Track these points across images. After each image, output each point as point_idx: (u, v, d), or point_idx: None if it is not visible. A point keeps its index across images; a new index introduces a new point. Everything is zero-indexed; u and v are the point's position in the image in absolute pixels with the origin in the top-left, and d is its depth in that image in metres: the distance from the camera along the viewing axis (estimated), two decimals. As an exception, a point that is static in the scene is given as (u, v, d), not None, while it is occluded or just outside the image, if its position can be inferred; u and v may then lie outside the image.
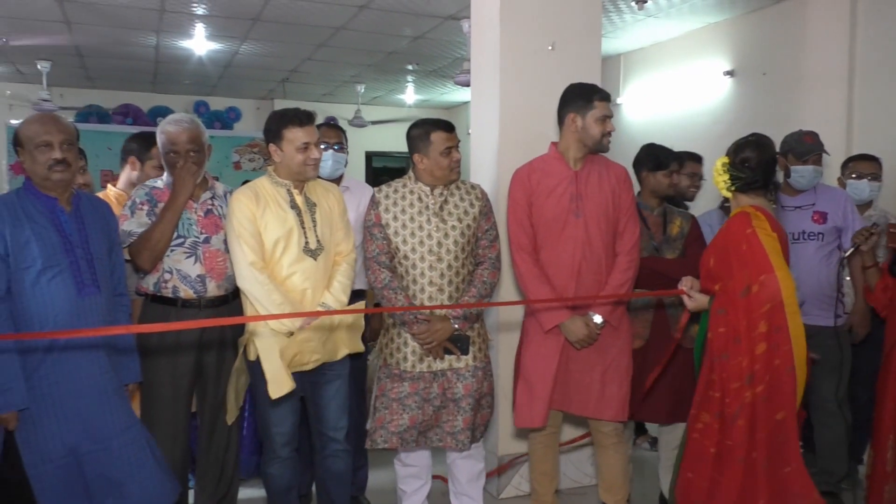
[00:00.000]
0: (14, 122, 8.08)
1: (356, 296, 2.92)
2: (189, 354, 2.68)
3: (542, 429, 2.82)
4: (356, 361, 2.90)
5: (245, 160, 8.81)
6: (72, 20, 6.08)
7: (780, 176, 2.96)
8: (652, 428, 4.02)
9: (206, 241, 2.69)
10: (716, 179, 2.47)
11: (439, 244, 2.69)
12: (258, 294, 2.47)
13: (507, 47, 3.28)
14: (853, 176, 3.49)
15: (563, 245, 2.70)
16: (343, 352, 2.62)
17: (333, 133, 3.16)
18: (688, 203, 3.72)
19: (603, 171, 2.76)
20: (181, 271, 2.66)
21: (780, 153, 3.14)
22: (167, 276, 2.66)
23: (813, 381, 2.69)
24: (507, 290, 3.28)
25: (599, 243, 2.70)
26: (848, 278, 3.30)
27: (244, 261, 2.49)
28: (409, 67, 8.02)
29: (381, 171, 11.28)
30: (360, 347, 2.68)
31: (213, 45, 7.00)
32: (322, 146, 3.05)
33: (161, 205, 2.67)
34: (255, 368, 2.53)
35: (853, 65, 4.86)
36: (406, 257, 2.70)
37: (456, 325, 2.68)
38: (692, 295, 2.46)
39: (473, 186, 2.84)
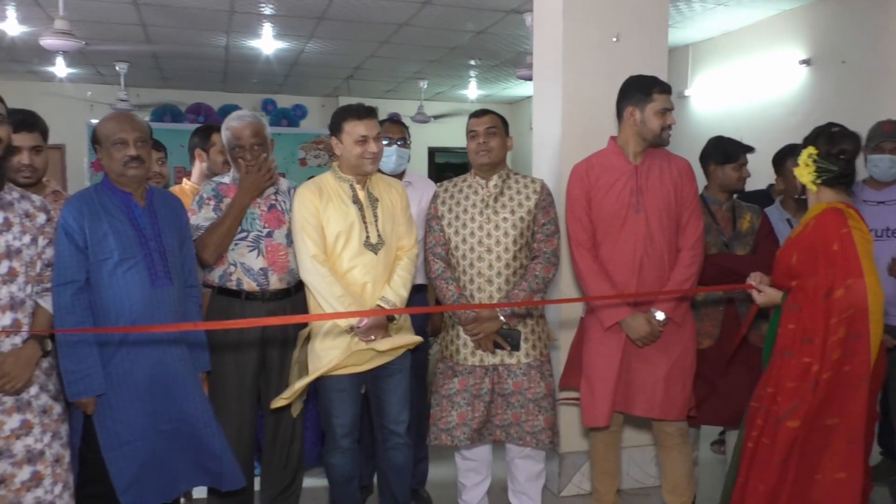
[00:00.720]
0: (94, 121, 8.46)
1: (417, 290, 2.94)
2: (252, 347, 2.75)
3: (604, 428, 2.78)
4: (418, 355, 2.92)
5: (310, 157, 8.97)
6: (147, 23, 6.32)
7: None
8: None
9: (269, 235, 2.75)
10: (800, 171, 2.31)
11: (489, 235, 2.69)
12: (319, 286, 2.53)
13: (570, 40, 3.23)
14: None
15: (624, 241, 2.65)
16: (399, 351, 2.64)
17: (397, 129, 3.19)
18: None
19: (664, 164, 2.70)
20: (244, 264, 2.73)
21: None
22: (231, 268, 2.73)
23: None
24: (567, 286, 3.24)
25: (661, 238, 2.64)
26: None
27: (307, 253, 2.55)
28: (472, 62, 8.02)
29: (444, 166, 11.31)
30: (416, 339, 2.68)
31: (280, 44, 7.16)
32: (385, 142, 3.09)
33: (227, 200, 2.75)
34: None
35: (940, 51, 4.60)
36: (457, 248, 2.72)
37: (503, 319, 2.66)
38: (762, 289, 2.37)
39: (534, 180, 2.81)
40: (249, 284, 2.73)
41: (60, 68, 8.22)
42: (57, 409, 2.27)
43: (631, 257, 2.65)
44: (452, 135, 10.41)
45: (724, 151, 3.05)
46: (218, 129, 3.26)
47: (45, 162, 2.65)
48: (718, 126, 5.86)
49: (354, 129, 2.58)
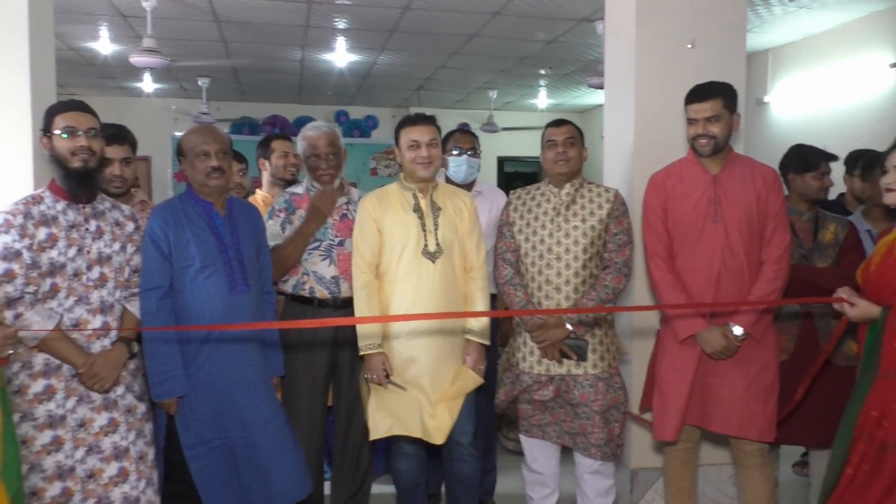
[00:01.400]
0: (178, 133, 8.85)
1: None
2: (324, 351, 2.82)
3: (678, 443, 2.71)
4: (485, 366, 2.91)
5: (381, 167, 9.12)
6: (228, 39, 6.58)
7: None
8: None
9: (341, 244, 2.82)
10: None
11: (559, 243, 2.67)
12: (356, 298, 2.62)
13: (643, 47, 3.19)
14: None
15: (700, 252, 2.58)
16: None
17: (467, 139, 3.21)
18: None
19: (747, 173, 2.61)
20: (317, 273, 2.80)
21: None
22: (305, 277, 2.81)
23: None
24: (641, 297, 3.18)
25: (741, 250, 2.56)
26: None
27: (354, 265, 2.65)
28: (542, 72, 7.99)
29: (513, 175, 11.29)
30: (478, 382, 2.68)
31: (353, 57, 7.31)
32: (456, 151, 3.13)
33: (299, 212, 2.82)
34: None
35: None
36: (526, 254, 2.72)
37: (569, 327, 2.63)
38: (854, 302, 2.25)
39: (608, 189, 2.78)
40: (321, 292, 2.80)
41: (147, 84, 8.63)
42: (141, 408, 2.37)
43: (708, 269, 2.57)
44: (521, 144, 10.38)
45: (805, 160, 2.93)
46: (277, 138, 3.45)
47: (134, 173, 2.79)
48: (799, 133, 5.64)
49: (407, 135, 2.63)
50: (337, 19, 5.98)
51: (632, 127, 3.21)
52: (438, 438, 2.55)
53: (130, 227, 2.42)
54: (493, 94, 9.19)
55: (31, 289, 2.16)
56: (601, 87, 3.91)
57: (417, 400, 2.56)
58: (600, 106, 9.91)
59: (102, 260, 2.30)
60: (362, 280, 2.61)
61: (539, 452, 2.84)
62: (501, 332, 3.21)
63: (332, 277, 2.80)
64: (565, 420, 2.71)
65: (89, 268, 2.26)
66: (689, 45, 3.20)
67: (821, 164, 2.95)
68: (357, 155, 8.69)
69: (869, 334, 2.23)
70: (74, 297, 2.23)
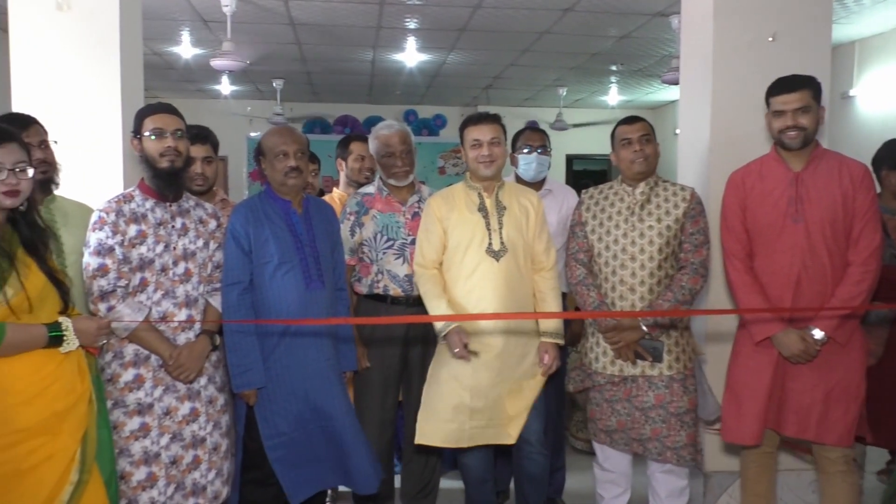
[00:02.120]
0: (253, 134, 9.14)
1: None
2: (397, 347, 2.87)
3: (756, 447, 2.63)
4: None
5: (449, 165, 9.18)
6: (302, 41, 6.74)
7: None
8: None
9: (413, 242, 2.85)
10: None
11: (633, 243, 2.63)
12: (421, 287, 2.64)
13: (721, 40, 3.10)
14: None
15: (780, 252, 2.50)
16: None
17: (537, 136, 3.20)
18: None
19: (834, 170, 2.50)
20: (391, 271, 2.85)
21: None
22: (379, 276, 2.86)
23: None
24: (717, 298, 3.10)
25: (824, 251, 2.46)
26: None
27: (415, 260, 2.69)
28: (613, 68, 7.87)
29: (582, 173, 11.16)
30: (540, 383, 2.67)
31: (423, 57, 7.38)
32: (526, 150, 3.12)
33: (372, 212, 2.86)
34: None
35: None
36: (599, 255, 2.69)
37: (644, 328, 2.59)
38: None
39: (684, 188, 2.72)
40: (395, 290, 2.84)
41: (225, 86, 8.93)
42: (221, 399, 2.47)
43: (787, 270, 2.49)
44: (590, 142, 10.25)
45: (896, 155, 2.80)
46: (356, 139, 3.44)
47: (215, 172, 2.90)
48: (887, 128, 5.37)
49: (470, 134, 2.65)
50: (408, 19, 6.05)
51: (708, 123, 3.13)
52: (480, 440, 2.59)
53: (213, 224, 2.52)
54: (563, 91, 9.10)
55: (122, 283, 2.28)
56: (676, 83, 3.83)
57: (463, 407, 2.57)
58: (673, 102, 9.69)
59: (187, 256, 2.40)
60: (425, 275, 2.63)
61: (611, 451, 2.80)
62: (571, 331, 3.19)
63: (406, 276, 2.84)
64: (633, 427, 2.66)
65: (175, 263, 2.37)
66: (770, 38, 3.10)
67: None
68: (425, 154, 8.77)
69: None
70: (161, 291, 2.33)
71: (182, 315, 2.36)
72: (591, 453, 2.92)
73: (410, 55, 7.27)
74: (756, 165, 2.63)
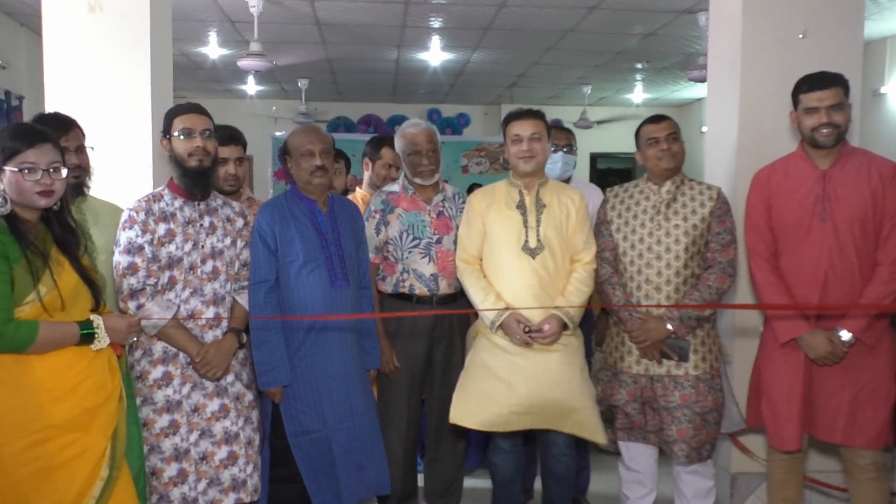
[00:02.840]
0: (278, 133, 9.21)
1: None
2: (422, 345, 2.87)
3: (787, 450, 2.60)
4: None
5: (472, 164, 9.16)
6: (327, 41, 6.78)
7: None
8: None
9: (439, 241, 2.86)
10: None
11: (659, 242, 2.61)
12: (465, 281, 2.65)
13: (749, 37, 3.07)
14: None
15: (806, 252, 2.47)
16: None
17: (563, 135, 3.19)
18: None
19: (863, 168, 2.46)
20: (417, 270, 2.85)
21: None
22: (405, 275, 2.87)
23: None
24: (744, 298, 3.07)
25: (852, 251, 2.43)
26: None
27: (457, 256, 2.71)
28: (639, 66, 7.81)
29: (606, 172, 11.09)
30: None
31: (447, 56, 7.38)
32: (551, 149, 3.10)
33: (397, 210, 2.87)
34: None
35: None
36: (625, 253, 2.67)
37: (670, 327, 2.57)
38: None
39: (710, 187, 2.70)
40: (421, 290, 2.85)
41: (251, 86, 9.02)
42: (249, 396, 2.49)
43: (814, 270, 2.46)
44: (615, 140, 10.18)
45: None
46: (388, 143, 3.36)
47: (245, 172, 2.93)
48: (921, 125, 5.26)
49: (511, 129, 2.64)
50: (433, 18, 6.05)
51: (736, 121, 3.10)
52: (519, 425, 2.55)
53: (240, 223, 2.54)
54: (587, 89, 9.05)
55: (151, 281, 2.31)
56: (702, 81, 3.80)
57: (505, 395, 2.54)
58: (699, 100, 9.59)
59: (215, 254, 2.43)
60: (467, 269, 2.65)
61: (637, 451, 2.79)
62: (597, 331, 3.17)
63: (432, 275, 2.85)
64: (653, 431, 2.65)
65: (203, 261, 2.39)
66: (801, 35, 3.05)
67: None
68: (449, 152, 8.76)
69: None
70: (190, 289, 2.36)
71: (210, 313, 2.38)
72: (616, 453, 2.90)
73: (435, 54, 7.28)
74: (782, 164, 2.59)
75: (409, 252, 2.85)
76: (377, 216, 2.89)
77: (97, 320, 1.98)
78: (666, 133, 2.66)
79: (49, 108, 2.91)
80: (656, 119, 2.72)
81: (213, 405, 2.38)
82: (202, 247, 2.40)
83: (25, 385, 1.86)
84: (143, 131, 3.07)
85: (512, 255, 2.59)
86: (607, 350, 2.78)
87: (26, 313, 1.86)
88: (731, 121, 3.14)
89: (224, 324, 2.42)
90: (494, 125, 10.16)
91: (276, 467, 2.57)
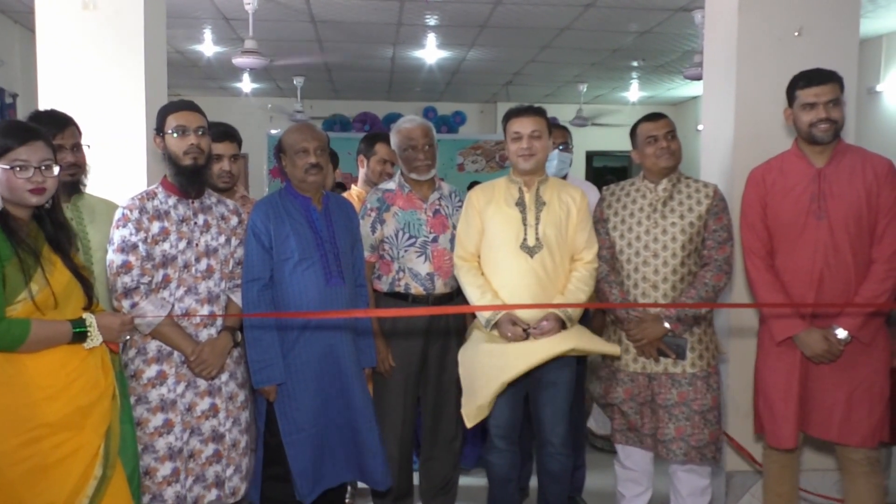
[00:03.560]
0: (273, 131, 9.19)
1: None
2: (417, 344, 2.86)
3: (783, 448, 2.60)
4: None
5: (468, 162, 9.16)
6: (323, 39, 6.77)
7: None
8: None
9: (435, 240, 2.85)
10: None
11: (655, 240, 2.61)
12: (462, 278, 2.63)
13: (745, 35, 3.06)
14: None
15: (801, 250, 2.47)
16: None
17: (558, 133, 3.18)
18: None
19: (857, 165, 2.47)
20: (412, 269, 2.84)
21: None
22: (400, 274, 2.85)
23: None
24: (740, 296, 3.07)
25: (847, 249, 2.43)
26: None
27: (455, 253, 2.70)
28: (634, 64, 7.81)
29: (602, 170, 11.11)
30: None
31: (443, 53, 7.37)
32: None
33: (393, 209, 2.86)
34: None
35: None
36: (622, 252, 2.66)
37: (667, 325, 2.56)
38: None
39: (706, 185, 2.69)
40: (417, 289, 2.84)
41: (246, 84, 8.99)
42: (241, 396, 2.48)
43: (809, 268, 2.46)
44: (610, 138, 10.19)
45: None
46: (382, 139, 3.36)
47: (240, 169, 2.91)
48: (916, 123, 5.27)
49: (511, 126, 2.63)
50: (428, 16, 6.04)
51: (732, 119, 3.10)
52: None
53: (234, 220, 2.53)
54: (583, 87, 9.06)
55: (145, 279, 2.30)
56: (698, 79, 3.80)
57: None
58: (695, 98, 9.60)
59: (209, 252, 2.42)
60: (464, 267, 2.64)
61: (633, 450, 2.78)
62: (593, 328, 3.17)
63: (427, 274, 2.84)
64: (658, 427, 2.63)
65: (197, 260, 2.38)
66: (796, 33, 3.05)
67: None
68: (444, 150, 8.72)
69: None
70: (184, 287, 2.35)
71: (204, 311, 2.37)
72: (612, 451, 2.90)
73: (430, 52, 7.27)
74: (777, 162, 2.60)
75: (406, 251, 2.84)
76: (373, 214, 2.88)
77: (89, 319, 1.97)
78: (664, 131, 2.66)
79: (43, 105, 2.89)
80: (654, 117, 2.71)
81: (204, 404, 2.37)
82: (196, 245, 2.39)
83: (18, 383, 1.85)
84: (137, 129, 3.06)
85: (510, 254, 2.57)
86: (604, 348, 2.78)
87: (18, 312, 1.85)
88: (727, 119, 3.14)
89: (219, 322, 2.41)
90: (490, 123, 10.16)
91: (271, 466, 2.56)
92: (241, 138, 2.90)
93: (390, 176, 3.37)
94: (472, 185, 5.27)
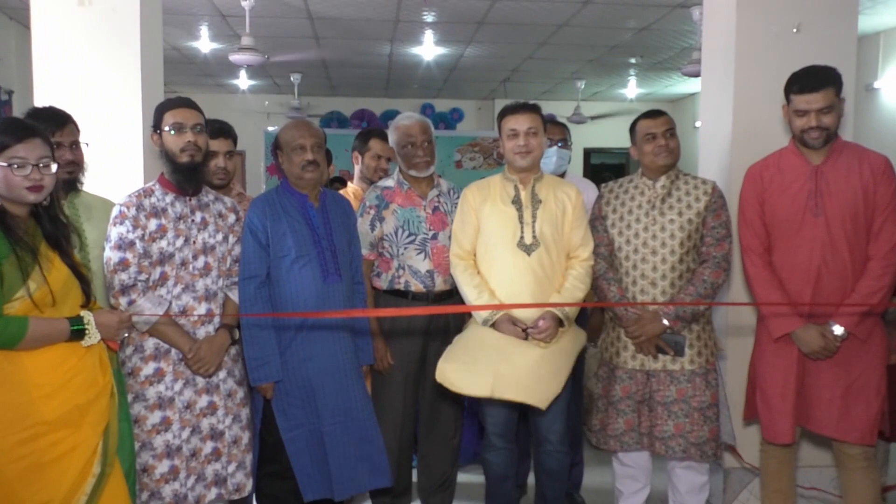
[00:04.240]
0: (270, 128, 9.17)
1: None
2: (416, 342, 2.86)
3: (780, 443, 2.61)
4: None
5: (466, 159, 9.14)
6: (320, 35, 6.75)
7: None
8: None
9: (434, 237, 2.84)
10: None
11: (654, 237, 2.61)
12: (458, 278, 2.61)
13: (744, 31, 3.06)
14: None
15: (799, 247, 2.47)
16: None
17: (557, 130, 3.17)
18: None
19: (854, 162, 2.47)
20: (412, 267, 2.83)
21: None
22: (400, 271, 2.84)
23: None
24: (738, 293, 3.07)
25: (844, 245, 2.43)
26: None
27: (452, 251, 2.68)
28: (632, 61, 7.81)
29: (600, 167, 11.11)
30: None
31: (441, 50, 7.36)
32: (546, 143, 3.09)
33: (392, 206, 2.85)
34: None
35: None
36: (620, 249, 2.66)
37: (666, 322, 2.56)
38: None
39: (705, 181, 2.69)
40: (416, 286, 2.83)
41: (243, 81, 8.97)
42: (240, 393, 2.47)
43: (807, 265, 2.46)
44: (608, 135, 10.19)
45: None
46: (377, 136, 3.37)
47: (235, 166, 2.90)
48: (914, 120, 5.28)
49: (507, 123, 2.61)
50: (426, 13, 6.03)
51: (730, 116, 3.10)
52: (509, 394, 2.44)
53: (232, 218, 2.53)
54: (581, 84, 9.05)
55: (143, 277, 2.29)
56: (696, 75, 3.79)
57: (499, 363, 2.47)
58: (693, 95, 9.60)
59: (207, 250, 2.41)
60: (460, 265, 2.62)
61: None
62: (590, 326, 3.17)
63: (427, 271, 2.83)
64: (646, 433, 2.63)
65: (195, 257, 2.38)
66: (795, 29, 3.05)
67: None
68: (442, 148, 8.70)
69: None
70: (182, 284, 2.34)
71: (202, 309, 2.37)
72: (610, 451, 2.90)
73: (428, 49, 7.26)
74: (774, 159, 2.60)
75: (405, 248, 2.83)
76: (372, 212, 2.87)
77: (87, 316, 1.96)
78: (663, 129, 2.65)
79: (38, 102, 2.88)
80: (653, 114, 2.70)
81: (202, 402, 2.36)
82: (194, 242, 2.38)
83: (15, 381, 1.85)
84: (134, 126, 3.04)
85: (507, 252, 2.56)
86: (603, 346, 2.78)
87: (16, 309, 1.84)
88: (725, 115, 3.14)
89: (216, 320, 2.41)
90: (488, 120, 10.15)
91: (268, 463, 2.56)
92: (236, 135, 2.89)
93: (385, 172, 3.37)
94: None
